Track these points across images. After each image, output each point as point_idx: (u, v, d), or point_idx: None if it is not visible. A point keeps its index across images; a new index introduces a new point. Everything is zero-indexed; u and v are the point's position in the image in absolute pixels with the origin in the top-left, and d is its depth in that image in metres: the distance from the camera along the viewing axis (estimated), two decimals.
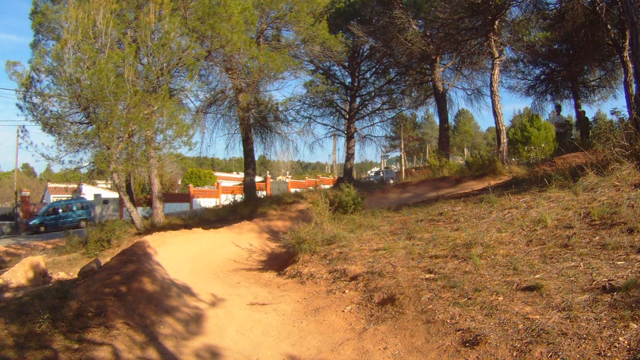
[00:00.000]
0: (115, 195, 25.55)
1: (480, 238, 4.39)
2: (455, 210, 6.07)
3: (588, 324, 2.61)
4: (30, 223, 21.33)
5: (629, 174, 4.70)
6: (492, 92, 12.00)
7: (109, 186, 31.60)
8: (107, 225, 10.79)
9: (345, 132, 20.26)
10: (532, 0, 12.18)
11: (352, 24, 15.84)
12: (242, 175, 21.58)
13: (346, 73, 20.22)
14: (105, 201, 25.77)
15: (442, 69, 16.82)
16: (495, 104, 11.97)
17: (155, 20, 10.07)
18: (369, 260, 4.78)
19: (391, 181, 23.27)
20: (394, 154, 34.02)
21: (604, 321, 2.59)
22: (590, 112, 46.54)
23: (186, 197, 28.65)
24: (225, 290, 4.70)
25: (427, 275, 3.95)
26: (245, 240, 7.47)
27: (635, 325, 2.46)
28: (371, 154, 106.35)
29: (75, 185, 28.47)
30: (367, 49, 18.58)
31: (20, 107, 10.07)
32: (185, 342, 3.27)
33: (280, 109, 17.43)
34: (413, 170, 22.67)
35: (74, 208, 22.71)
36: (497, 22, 11.98)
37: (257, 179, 23.16)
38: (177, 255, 5.61)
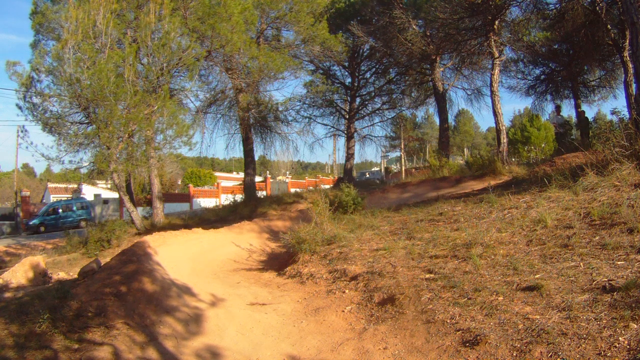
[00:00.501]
0: (115, 195, 25.55)
1: (480, 238, 4.39)
2: (455, 210, 6.07)
3: (588, 324, 2.61)
4: (30, 223, 21.33)
5: (629, 174, 4.70)
6: (492, 92, 12.00)
7: (109, 186, 31.60)
8: (107, 225, 10.80)
9: (345, 132, 20.26)
10: (532, 0, 12.19)
11: (352, 24, 15.85)
12: (242, 175, 21.58)
13: (346, 73, 20.23)
14: (105, 201, 25.77)
15: (442, 69, 16.82)
16: (495, 104, 11.97)
17: (156, 20, 10.08)
18: (369, 260, 4.78)
19: (377, 181, 23.74)
20: (394, 154, 34.04)
21: (604, 321, 2.59)
22: (590, 112, 46.58)
23: (186, 197, 28.66)
24: (225, 290, 4.70)
25: (427, 275, 3.95)
26: (245, 240, 7.47)
27: (635, 325, 2.46)
28: (371, 154, 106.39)
29: (75, 185, 28.48)
30: (367, 49, 18.58)
31: (20, 107, 10.08)
32: (185, 342, 3.27)
33: (280, 109, 17.44)
34: (413, 170, 22.68)
35: (74, 208, 22.71)
36: (497, 22, 11.97)
37: (257, 179, 23.16)
38: (177, 255, 5.61)
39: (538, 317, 2.83)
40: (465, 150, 33.02)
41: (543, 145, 18.61)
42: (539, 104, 16.86)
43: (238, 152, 36.51)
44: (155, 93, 10.19)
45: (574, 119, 16.60)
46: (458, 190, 9.15)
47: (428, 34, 15.08)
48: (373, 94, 20.26)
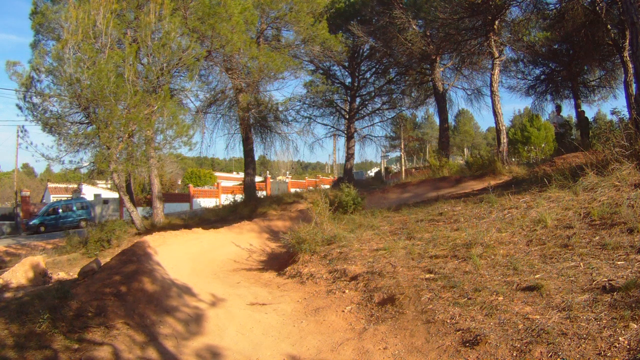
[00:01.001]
0: (115, 195, 25.55)
1: (480, 238, 4.39)
2: (455, 210, 6.07)
3: (588, 324, 2.61)
4: (30, 223, 21.33)
5: (629, 174, 4.70)
6: (492, 92, 12.00)
7: (109, 186, 31.60)
8: (107, 225, 10.80)
9: (345, 132, 20.27)
10: (532, 0, 12.19)
11: (352, 24, 15.85)
12: (242, 175, 21.59)
13: (346, 73, 20.23)
14: (105, 201, 25.77)
15: (442, 69, 16.82)
16: (495, 104, 11.97)
17: (156, 20, 10.08)
18: (369, 260, 4.78)
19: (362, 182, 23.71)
20: (394, 154, 34.03)
21: (604, 321, 2.59)
22: (590, 112, 46.56)
23: (186, 197, 28.66)
24: (225, 290, 4.70)
25: (427, 275, 3.95)
26: (245, 240, 7.47)
27: (635, 325, 2.46)
28: (371, 154, 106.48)
29: (75, 185, 28.49)
30: (367, 49, 18.58)
31: (20, 107, 10.08)
32: (185, 342, 3.27)
33: (280, 109, 17.44)
34: (413, 170, 22.68)
35: (74, 208, 22.71)
36: (497, 22, 11.97)
37: (257, 179, 23.16)
38: (177, 255, 5.61)
39: (538, 317, 2.83)
40: (465, 150, 33.01)
41: (543, 145, 18.62)
42: (539, 104, 16.86)
43: (238, 152, 36.53)
44: (155, 93, 10.19)
45: (574, 119, 16.60)
46: (458, 190, 9.15)
47: (428, 34, 15.07)
48: (373, 94, 20.27)
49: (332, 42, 15.25)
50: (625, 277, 3.03)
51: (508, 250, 4.04)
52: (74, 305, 3.23)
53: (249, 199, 15.71)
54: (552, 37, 13.59)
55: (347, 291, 4.25)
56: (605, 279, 3.05)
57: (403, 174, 23.50)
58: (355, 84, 19.82)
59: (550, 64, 15.32)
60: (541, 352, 2.48)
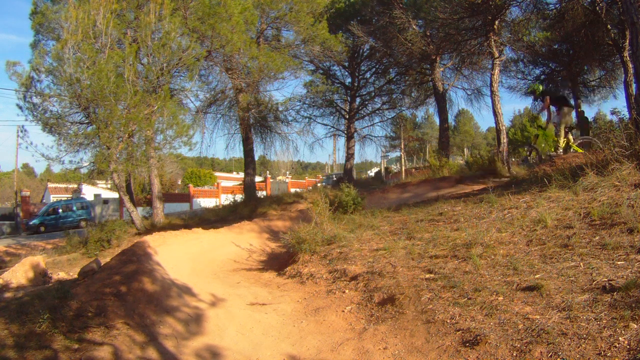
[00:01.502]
0: (115, 195, 25.55)
1: (480, 238, 4.39)
2: (455, 210, 6.07)
3: (588, 324, 2.61)
4: (30, 223, 21.34)
5: (629, 174, 4.70)
6: (492, 92, 12.00)
7: (109, 186, 31.60)
8: (107, 225, 10.80)
9: (345, 132, 20.26)
10: (532, 0, 12.19)
11: (352, 24, 15.84)
12: (242, 175, 21.59)
13: (346, 73, 20.23)
14: (105, 201, 25.78)
15: (442, 69, 16.82)
16: (495, 104, 11.96)
17: (156, 20, 10.08)
18: (369, 260, 4.78)
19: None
20: (394, 154, 34.00)
21: (604, 321, 2.59)
22: (590, 112, 46.48)
23: (186, 197, 28.66)
24: (225, 290, 4.70)
25: (427, 275, 3.95)
26: (245, 240, 7.47)
27: (635, 325, 2.46)
28: (371, 154, 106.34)
29: (75, 185, 28.49)
30: (367, 49, 18.58)
31: (20, 107, 10.09)
32: (185, 342, 3.27)
33: (280, 109, 17.45)
34: (413, 170, 22.68)
35: (74, 208, 22.72)
36: (497, 22, 11.97)
37: (257, 179, 23.16)
38: (177, 255, 5.61)
39: (538, 317, 2.83)
40: (465, 150, 33.00)
41: (543, 145, 18.59)
42: (539, 104, 16.86)
43: (238, 152, 36.51)
44: (155, 93, 10.19)
45: (574, 119, 16.58)
46: (458, 190, 9.15)
47: (428, 34, 15.07)
48: (373, 94, 20.26)
49: (332, 42, 15.25)
50: (625, 277, 3.03)
51: (508, 250, 4.04)
52: (74, 305, 3.23)
53: (249, 199, 15.71)
54: (552, 37, 13.60)
55: (347, 291, 4.25)
56: (605, 279, 3.05)
57: (403, 174, 23.50)
58: (355, 84, 19.82)
59: (550, 64, 15.34)
60: (541, 352, 2.48)
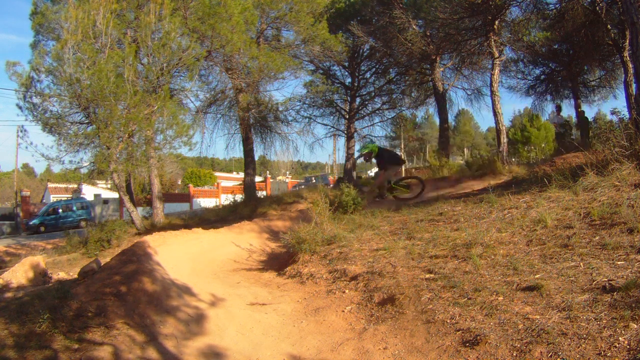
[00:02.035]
0: (115, 195, 25.55)
1: (480, 238, 4.39)
2: (455, 210, 6.07)
3: (588, 324, 2.61)
4: (30, 223, 21.35)
5: (629, 174, 4.70)
6: (492, 92, 12.00)
7: (109, 186, 31.61)
8: (107, 225, 10.80)
9: (345, 132, 20.24)
10: (532, 0, 12.19)
11: (352, 24, 15.83)
12: (242, 175, 21.59)
13: (346, 73, 20.20)
14: (105, 201, 25.79)
15: (442, 69, 16.81)
16: (495, 104, 11.97)
17: (156, 20, 10.08)
18: (369, 260, 4.78)
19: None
20: None
21: (604, 321, 2.59)
22: (590, 112, 46.46)
23: (186, 197, 28.68)
24: (225, 290, 4.70)
25: (427, 275, 3.95)
26: (245, 240, 7.47)
27: (635, 325, 2.46)
28: None
29: (75, 185, 28.50)
30: (367, 49, 18.56)
31: (20, 107, 10.08)
32: (185, 342, 3.27)
33: (280, 109, 17.44)
34: (413, 170, 22.68)
35: (74, 208, 22.73)
36: (497, 22, 11.97)
37: (257, 179, 23.16)
38: (177, 255, 5.61)
39: (538, 317, 2.83)
40: (465, 150, 33.00)
41: (543, 145, 18.61)
42: (539, 104, 16.88)
43: (238, 152, 36.47)
44: (155, 93, 10.19)
45: (574, 119, 16.61)
46: (458, 190, 9.15)
47: (428, 34, 15.07)
48: (373, 94, 20.25)
49: (332, 42, 15.24)
50: (625, 277, 3.03)
51: (508, 250, 4.04)
52: (74, 305, 3.23)
53: (249, 199, 15.71)
54: (552, 37, 13.59)
55: (347, 291, 4.25)
56: (605, 279, 3.05)
57: (403, 174, 23.49)
58: (355, 84, 19.81)
59: (550, 64, 15.33)
60: (541, 352, 2.48)
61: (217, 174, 41.40)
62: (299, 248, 5.54)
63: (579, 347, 2.42)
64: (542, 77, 15.86)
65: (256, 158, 17.23)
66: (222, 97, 16.13)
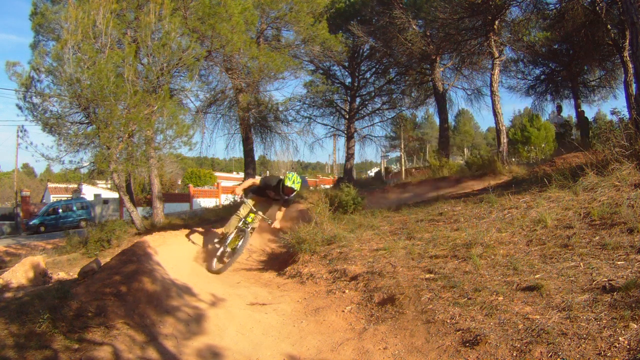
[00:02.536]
0: (115, 195, 25.55)
1: (480, 238, 4.39)
2: (455, 210, 6.07)
3: (588, 324, 2.61)
4: (30, 223, 21.35)
5: (629, 174, 4.71)
6: (492, 92, 12.00)
7: (109, 186, 31.59)
8: (107, 225, 10.79)
9: (345, 132, 20.25)
10: (532, 0, 12.19)
11: (352, 24, 15.84)
12: (242, 175, 21.59)
13: (346, 73, 20.21)
14: (105, 201, 25.78)
15: (442, 69, 16.82)
16: (495, 104, 11.97)
17: (156, 20, 10.07)
18: (369, 260, 4.78)
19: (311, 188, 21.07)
20: (394, 154, 34.00)
21: (604, 321, 2.59)
22: (590, 112, 46.43)
23: (186, 197, 28.66)
24: (225, 290, 4.70)
25: (427, 275, 3.95)
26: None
27: (635, 325, 2.46)
28: (371, 154, 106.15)
29: (75, 185, 28.48)
30: (367, 49, 18.56)
31: (20, 107, 10.07)
32: (185, 342, 3.27)
33: (280, 109, 17.45)
34: (413, 170, 22.68)
35: (74, 208, 22.73)
36: (497, 22, 11.97)
37: (257, 179, 23.12)
38: (177, 255, 5.61)
39: (538, 317, 2.83)
40: (465, 150, 32.98)
41: (543, 145, 18.61)
42: (539, 104, 16.88)
43: (238, 152, 36.44)
44: (155, 93, 10.18)
45: (574, 119, 16.61)
46: (458, 190, 9.15)
47: (428, 34, 15.07)
48: (373, 94, 20.25)
49: (332, 42, 15.25)
50: (625, 277, 3.03)
51: (508, 250, 4.04)
52: (74, 305, 3.23)
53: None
54: (552, 37, 13.59)
55: (347, 291, 4.25)
56: (605, 279, 3.05)
57: (403, 174, 23.49)
58: (355, 84, 19.81)
59: (550, 64, 15.33)
60: (541, 352, 2.48)
61: (217, 174, 41.40)
62: (299, 248, 5.54)
63: (579, 347, 2.42)
64: (542, 77, 15.87)
65: (256, 158, 17.25)
66: (222, 97, 16.14)
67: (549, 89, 16.00)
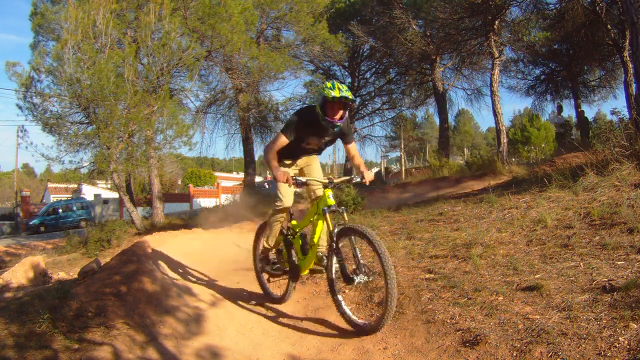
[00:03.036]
0: (115, 195, 25.54)
1: (480, 238, 4.39)
2: (455, 210, 6.07)
3: (588, 324, 2.61)
4: (30, 223, 21.36)
5: (629, 174, 4.70)
6: (492, 92, 12.01)
7: (109, 186, 31.59)
8: (107, 225, 10.80)
9: None
10: (532, 0, 12.20)
11: (352, 24, 15.85)
12: (242, 175, 21.59)
13: (346, 73, 20.23)
14: (105, 201, 25.79)
15: (442, 69, 16.82)
16: (495, 104, 11.97)
17: (156, 20, 10.08)
18: (369, 260, 4.78)
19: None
20: (394, 154, 34.00)
21: (604, 321, 2.59)
22: (590, 112, 46.41)
23: (186, 197, 28.68)
24: (225, 290, 4.70)
25: (427, 275, 3.95)
26: (245, 240, 7.44)
27: (635, 325, 2.46)
28: (371, 154, 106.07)
29: (75, 185, 28.48)
30: (367, 49, 18.58)
31: (20, 107, 10.10)
32: (185, 342, 3.27)
33: (280, 109, 17.46)
34: (413, 170, 22.68)
35: (74, 208, 22.74)
36: (497, 22, 11.98)
37: (257, 179, 23.16)
38: (177, 255, 5.61)
39: (538, 317, 2.83)
40: (465, 150, 32.98)
41: (543, 145, 18.62)
42: (539, 104, 16.89)
43: (238, 152, 36.43)
44: (155, 93, 10.19)
45: (574, 119, 16.61)
46: (458, 190, 9.15)
47: (428, 34, 15.07)
48: (373, 94, 20.27)
49: (332, 42, 15.26)
50: (625, 277, 3.03)
51: (508, 250, 4.04)
52: (74, 305, 3.23)
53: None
54: (552, 37, 13.60)
55: (347, 291, 4.25)
56: (605, 279, 3.05)
57: (403, 174, 23.49)
58: (355, 84, 19.82)
59: (550, 64, 15.34)
60: (541, 352, 2.48)
61: (217, 174, 41.43)
62: None
63: (579, 347, 2.42)
64: (542, 77, 15.88)
65: (256, 158, 17.25)
66: (222, 97, 16.15)
67: (549, 89, 16.01)
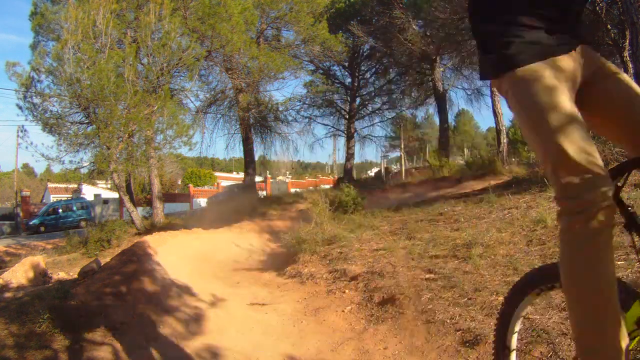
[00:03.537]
0: (115, 195, 25.54)
1: (480, 238, 4.39)
2: (455, 210, 6.07)
3: None
4: (30, 223, 21.34)
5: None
6: (492, 92, 12.02)
7: (109, 186, 31.58)
8: (107, 225, 10.81)
9: (345, 132, 20.27)
10: None
11: (352, 24, 15.86)
12: (242, 175, 21.60)
13: (346, 73, 20.24)
14: (105, 201, 25.78)
15: (442, 69, 16.83)
16: (495, 104, 11.98)
17: (156, 20, 10.09)
18: (369, 260, 4.78)
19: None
20: (394, 154, 34.00)
21: None
22: None
23: (186, 197, 28.68)
24: (225, 290, 4.70)
25: (427, 275, 3.95)
26: (245, 240, 7.47)
27: None
28: (371, 154, 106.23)
29: (75, 185, 28.46)
30: (367, 49, 18.60)
31: (20, 107, 10.11)
32: (185, 342, 3.27)
33: (280, 109, 17.48)
34: (413, 170, 22.69)
35: (74, 208, 22.73)
36: None
37: (257, 179, 23.16)
38: (177, 255, 5.61)
39: (538, 317, 2.83)
40: (465, 150, 32.99)
41: None
42: None
43: (238, 152, 36.45)
44: (155, 93, 10.20)
45: None
46: (458, 190, 9.15)
47: (428, 34, 15.08)
48: (373, 94, 20.28)
49: (332, 42, 15.26)
50: (625, 277, 3.03)
51: (508, 250, 4.04)
52: (74, 305, 3.23)
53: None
54: None
55: (347, 291, 4.25)
56: None
57: (403, 174, 23.50)
58: (355, 84, 19.83)
59: None
60: (541, 352, 2.48)
61: (217, 174, 41.42)
62: (299, 248, 5.55)
63: None
64: None
65: (256, 158, 17.29)
66: (222, 97, 16.16)
67: None
